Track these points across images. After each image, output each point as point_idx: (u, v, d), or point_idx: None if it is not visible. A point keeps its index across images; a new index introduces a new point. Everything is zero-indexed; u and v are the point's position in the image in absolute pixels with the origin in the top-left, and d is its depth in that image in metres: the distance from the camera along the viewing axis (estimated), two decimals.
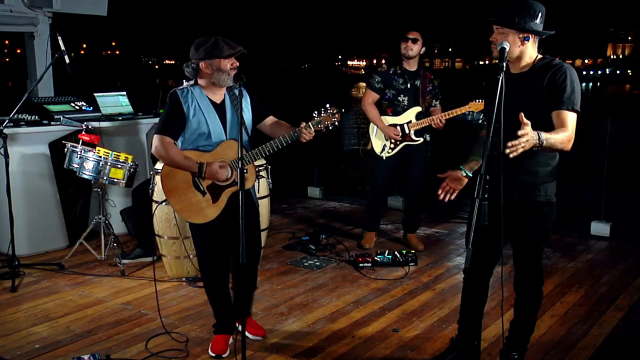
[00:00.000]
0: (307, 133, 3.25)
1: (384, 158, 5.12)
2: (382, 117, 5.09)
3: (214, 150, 3.24)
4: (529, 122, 2.50)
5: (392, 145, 5.09)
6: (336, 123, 3.28)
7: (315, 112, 3.28)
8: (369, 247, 5.34)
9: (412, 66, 5.06)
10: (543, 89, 2.76)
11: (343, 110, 3.33)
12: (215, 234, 3.34)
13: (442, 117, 4.92)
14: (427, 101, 5.08)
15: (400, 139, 5.05)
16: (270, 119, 3.48)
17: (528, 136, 2.49)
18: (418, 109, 5.04)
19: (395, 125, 5.06)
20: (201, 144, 3.24)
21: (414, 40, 4.96)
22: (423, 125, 5.02)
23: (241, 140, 2.89)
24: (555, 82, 2.75)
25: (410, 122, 5.05)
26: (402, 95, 5.03)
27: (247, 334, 3.45)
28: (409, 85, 5.03)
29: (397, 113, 5.07)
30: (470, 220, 3.08)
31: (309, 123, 3.25)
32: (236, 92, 3.32)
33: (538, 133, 2.54)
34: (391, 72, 5.07)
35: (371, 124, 5.15)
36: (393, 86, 5.04)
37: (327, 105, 3.27)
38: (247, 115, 3.38)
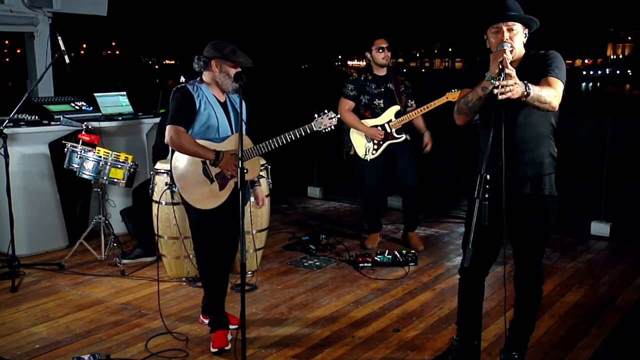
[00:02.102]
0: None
1: (369, 160, 5.15)
2: (363, 121, 5.14)
3: (223, 142, 3.40)
4: (513, 69, 2.57)
5: (376, 146, 5.13)
6: (333, 126, 3.56)
7: (316, 115, 3.52)
8: (372, 247, 5.35)
9: (381, 72, 5.15)
10: (532, 75, 2.80)
11: (339, 115, 3.62)
12: (215, 223, 3.42)
13: (422, 110, 4.97)
14: (403, 101, 5.14)
15: (382, 138, 5.10)
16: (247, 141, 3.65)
17: (515, 79, 2.54)
18: (397, 107, 5.11)
19: (376, 126, 5.10)
20: (209, 137, 3.38)
21: (388, 48, 5.07)
22: (404, 122, 5.08)
23: (241, 139, 2.90)
24: (543, 61, 2.83)
25: (390, 121, 5.10)
26: (377, 99, 5.11)
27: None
28: (382, 89, 5.11)
29: (376, 115, 5.13)
30: (467, 221, 3.10)
31: (312, 124, 3.50)
32: (235, 95, 3.48)
33: (525, 82, 2.58)
34: (362, 79, 5.16)
35: (350, 129, 5.18)
36: (366, 92, 5.12)
37: (326, 110, 3.54)
38: (245, 116, 3.49)
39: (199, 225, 3.47)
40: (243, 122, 3.39)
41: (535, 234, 2.98)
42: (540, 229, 2.97)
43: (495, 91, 2.52)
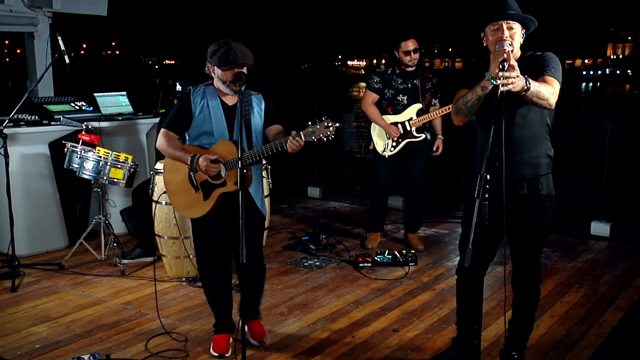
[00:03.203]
0: (293, 143, 3.04)
1: (387, 157, 5.14)
2: (384, 116, 5.12)
3: (211, 148, 3.27)
4: (515, 62, 2.59)
5: (394, 144, 5.11)
6: (331, 136, 3.03)
7: (310, 122, 3.07)
8: (373, 247, 5.35)
9: (410, 67, 5.10)
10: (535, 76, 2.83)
11: (338, 124, 3.08)
12: (215, 230, 3.35)
13: (444, 110, 4.95)
14: (427, 99, 5.11)
15: (402, 135, 5.08)
16: (276, 128, 3.35)
17: (517, 72, 2.56)
18: (419, 106, 5.08)
19: (396, 123, 5.09)
20: (205, 142, 3.28)
21: (415, 50, 5.02)
22: (424, 122, 5.06)
23: (241, 140, 2.87)
24: (540, 62, 2.85)
25: (411, 119, 5.08)
26: (401, 95, 5.07)
27: (248, 337, 3.44)
28: (408, 85, 5.07)
29: (397, 111, 5.10)
30: (463, 221, 3.11)
31: (300, 132, 3.04)
32: (252, 95, 3.33)
33: (525, 76, 2.61)
34: (389, 72, 5.11)
35: (372, 123, 5.17)
36: (392, 86, 5.08)
37: (324, 117, 3.05)
38: (257, 119, 3.33)
39: (199, 232, 3.42)
40: (248, 127, 3.32)
41: (533, 233, 2.98)
42: (538, 228, 2.98)
43: (498, 82, 2.53)
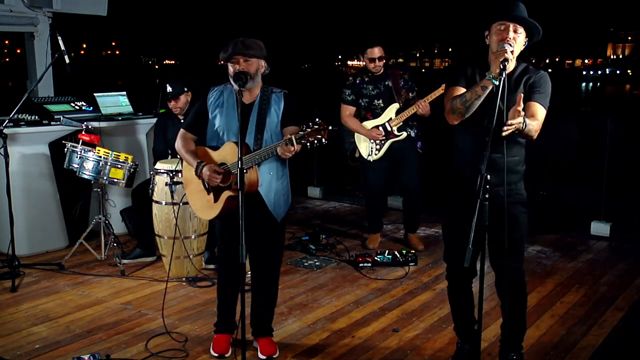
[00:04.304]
0: (283, 148, 2.93)
1: (372, 161, 5.16)
2: (364, 123, 5.14)
3: (219, 150, 3.23)
4: (522, 105, 2.64)
5: (378, 147, 5.13)
6: (323, 141, 2.87)
7: (304, 125, 2.91)
8: (374, 247, 5.35)
9: (376, 73, 5.09)
10: (521, 90, 2.86)
11: (330, 127, 2.93)
12: (227, 232, 3.34)
13: (423, 101, 4.92)
14: (403, 96, 5.09)
15: (383, 137, 5.09)
16: (291, 129, 3.10)
17: (522, 117, 2.64)
18: (396, 105, 5.08)
19: (377, 127, 5.10)
20: (221, 142, 3.23)
21: (380, 58, 5.01)
22: (404, 118, 5.05)
23: (241, 142, 2.86)
24: (534, 83, 2.90)
25: (390, 119, 5.09)
26: (376, 100, 5.09)
27: (257, 353, 3.42)
28: (381, 88, 5.08)
29: (376, 115, 5.12)
30: (448, 223, 3.11)
31: (292, 137, 2.89)
32: (274, 92, 3.28)
33: (524, 118, 2.69)
34: (358, 81, 5.14)
35: (355, 133, 5.19)
36: (364, 94, 5.11)
37: (317, 120, 2.88)
38: (274, 119, 3.21)
39: (219, 232, 3.42)
40: (270, 124, 3.22)
41: (518, 231, 2.99)
42: (522, 225, 3.01)
43: (505, 128, 2.63)
